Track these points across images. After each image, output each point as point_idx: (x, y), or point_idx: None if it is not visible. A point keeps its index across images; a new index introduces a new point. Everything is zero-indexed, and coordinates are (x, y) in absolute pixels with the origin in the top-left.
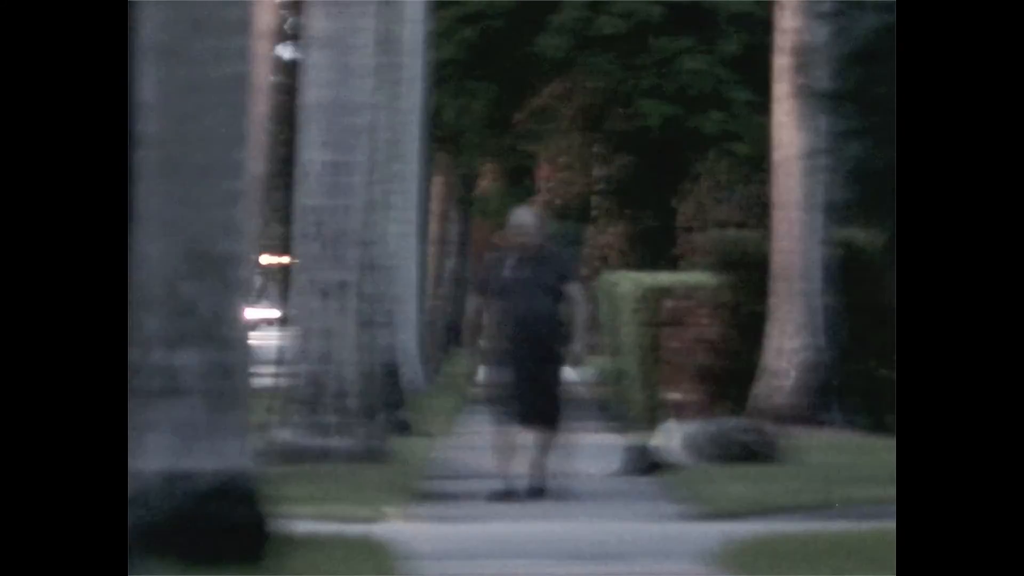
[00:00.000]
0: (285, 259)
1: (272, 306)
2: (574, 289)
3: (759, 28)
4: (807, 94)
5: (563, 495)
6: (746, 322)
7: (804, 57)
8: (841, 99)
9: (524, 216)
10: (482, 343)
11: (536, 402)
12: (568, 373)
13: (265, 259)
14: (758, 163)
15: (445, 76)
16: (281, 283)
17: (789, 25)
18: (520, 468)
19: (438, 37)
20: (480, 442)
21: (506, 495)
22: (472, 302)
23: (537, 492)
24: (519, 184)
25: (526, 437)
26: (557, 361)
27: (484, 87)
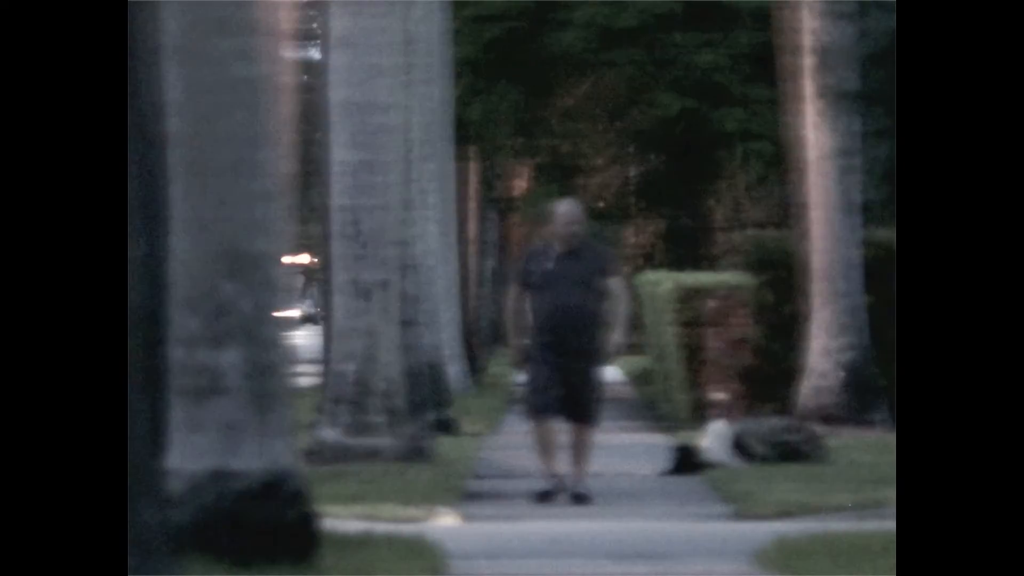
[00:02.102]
0: (303, 258)
1: (292, 306)
2: (615, 284)
3: (781, 26)
4: (833, 94)
5: (604, 496)
6: (784, 322)
7: (827, 57)
8: (866, 100)
9: (566, 207)
10: (514, 340)
11: (567, 397)
12: (604, 370)
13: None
14: (784, 162)
15: (469, 75)
16: (299, 283)
17: (810, 25)
18: (562, 468)
19: (460, 36)
20: (523, 441)
21: (550, 495)
22: (509, 295)
23: (581, 498)
24: (552, 183)
25: (564, 436)
26: (591, 357)
27: (509, 87)
